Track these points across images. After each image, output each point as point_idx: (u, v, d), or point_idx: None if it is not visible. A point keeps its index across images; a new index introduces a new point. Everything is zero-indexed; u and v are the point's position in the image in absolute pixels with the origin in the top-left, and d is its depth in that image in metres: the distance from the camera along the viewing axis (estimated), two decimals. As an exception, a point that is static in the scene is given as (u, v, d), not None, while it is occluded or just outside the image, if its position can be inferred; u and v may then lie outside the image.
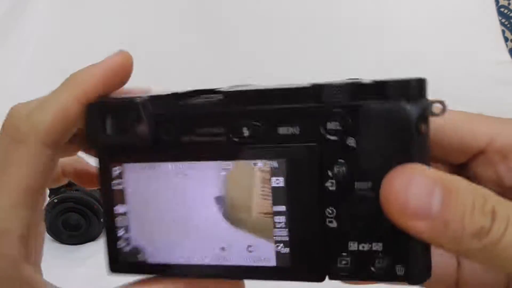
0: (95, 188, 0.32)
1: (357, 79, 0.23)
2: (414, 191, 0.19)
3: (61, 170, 0.28)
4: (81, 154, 0.31)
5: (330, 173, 0.23)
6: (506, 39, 1.06)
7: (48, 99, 0.24)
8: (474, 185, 0.19)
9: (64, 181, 0.31)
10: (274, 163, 0.23)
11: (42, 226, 0.31)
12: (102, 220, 0.70)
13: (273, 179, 0.23)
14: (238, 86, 0.25)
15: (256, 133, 0.23)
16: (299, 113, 0.23)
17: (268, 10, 1.01)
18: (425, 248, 0.22)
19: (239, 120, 0.24)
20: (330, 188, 0.23)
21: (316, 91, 0.23)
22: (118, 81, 0.25)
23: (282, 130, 0.23)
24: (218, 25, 0.99)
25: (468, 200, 0.18)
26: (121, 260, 0.25)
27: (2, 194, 0.24)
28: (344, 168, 0.23)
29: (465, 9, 1.02)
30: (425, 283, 0.26)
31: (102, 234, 0.72)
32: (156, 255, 0.25)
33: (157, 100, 0.24)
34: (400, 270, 0.22)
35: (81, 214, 0.70)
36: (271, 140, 0.23)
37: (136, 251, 0.25)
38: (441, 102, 0.21)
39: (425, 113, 0.21)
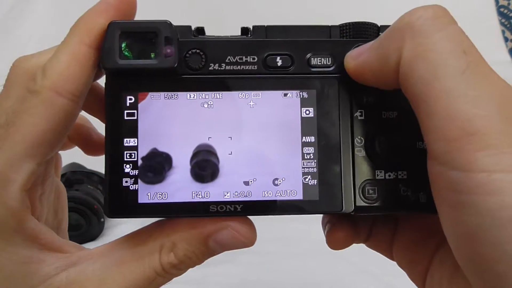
0: (99, 155, 0.30)
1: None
2: (354, 51, 0.24)
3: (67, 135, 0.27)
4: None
5: (359, 104, 0.24)
6: (506, 39, 1.06)
7: (59, 48, 0.24)
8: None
9: (71, 147, 0.31)
10: (305, 94, 0.23)
11: (61, 188, 0.30)
12: (101, 218, 0.70)
13: (303, 109, 0.23)
14: None
15: (288, 63, 0.24)
16: (331, 45, 0.24)
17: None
18: None
19: (272, 50, 0.24)
20: (359, 118, 0.24)
21: (347, 28, 0.25)
22: (122, 16, 0.24)
23: (314, 61, 0.24)
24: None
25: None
26: (124, 201, 0.23)
27: (9, 142, 0.23)
28: (372, 98, 0.24)
29: (465, 9, 1.02)
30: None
31: (102, 234, 0.72)
32: (167, 194, 0.23)
33: (184, 28, 0.24)
34: (423, 197, 0.24)
35: (81, 214, 0.69)
36: (302, 71, 0.24)
37: (143, 190, 0.23)
38: None
39: None
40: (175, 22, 0.24)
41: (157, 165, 0.23)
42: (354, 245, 0.30)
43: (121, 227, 0.72)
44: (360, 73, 0.23)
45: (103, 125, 0.25)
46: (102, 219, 0.71)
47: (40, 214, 0.26)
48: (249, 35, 0.24)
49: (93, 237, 0.71)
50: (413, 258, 0.28)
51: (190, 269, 0.25)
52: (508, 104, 0.20)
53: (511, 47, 1.07)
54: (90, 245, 0.70)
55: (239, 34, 0.25)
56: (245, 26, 0.25)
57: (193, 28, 0.24)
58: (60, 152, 0.30)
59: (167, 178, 0.23)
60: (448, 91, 0.20)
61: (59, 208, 0.30)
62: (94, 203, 0.70)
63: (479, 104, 0.19)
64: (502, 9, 1.08)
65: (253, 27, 0.24)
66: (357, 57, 0.23)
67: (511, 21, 1.09)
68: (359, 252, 0.31)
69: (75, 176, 0.72)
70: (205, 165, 0.23)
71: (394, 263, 0.29)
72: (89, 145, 0.31)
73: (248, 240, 0.24)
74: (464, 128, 0.19)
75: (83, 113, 0.29)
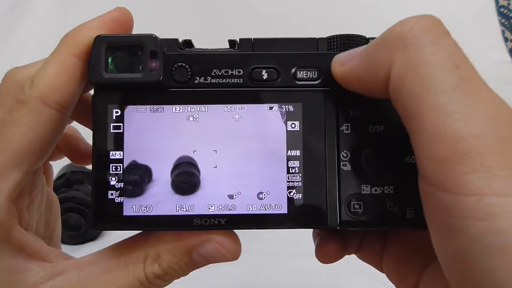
0: (87, 165, 0.31)
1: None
2: (340, 56, 0.24)
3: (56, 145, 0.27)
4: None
5: (345, 117, 0.24)
6: (506, 39, 1.05)
7: (48, 59, 0.24)
8: None
9: (60, 157, 0.31)
10: (290, 107, 0.23)
11: (54, 198, 0.30)
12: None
13: (289, 123, 0.23)
14: None
15: (274, 76, 0.24)
16: (317, 58, 0.24)
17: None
18: None
19: (258, 63, 0.24)
20: (345, 132, 0.24)
21: (335, 40, 0.24)
22: (114, 31, 0.24)
23: (300, 75, 0.24)
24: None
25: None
26: (109, 213, 0.23)
27: None
28: (359, 112, 0.24)
29: (465, 9, 1.02)
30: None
31: (102, 234, 0.72)
32: (151, 207, 0.23)
33: (169, 41, 0.24)
34: (410, 213, 0.23)
35: (81, 214, 0.69)
36: (288, 84, 0.24)
37: (128, 202, 0.23)
38: None
39: None
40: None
41: (136, 178, 0.23)
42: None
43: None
44: (347, 80, 0.23)
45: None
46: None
47: (28, 224, 0.26)
48: (236, 48, 0.24)
49: (93, 237, 0.71)
50: (402, 272, 0.27)
51: (187, 274, 0.25)
52: (501, 122, 0.19)
53: (511, 47, 1.06)
54: (90, 245, 0.70)
55: (227, 46, 0.25)
56: (235, 38, 0.25)
57: (180, 40, 0.24)
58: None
59: (147, 191, 0.23)
60: (439, 107, 0.19)
61: (51, 219, 0.30)
62: (94, 203, 0.70)
63: (471, 122, 0.19)
64: (502, 9, 1.08)
65: (240, 40, 0.24)
66: (344, 63, 0.23)
67: (511, 21, 1.09)
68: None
69: (75, 176, 0.72)
70: (186, 178, 0.23)
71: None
72: (77, 155, 0.31)
73: (231, 254, 0.24)
74: (455, 148, 0.18)
75: (74, 124, 0.29)
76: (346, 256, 0.29)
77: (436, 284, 0.25)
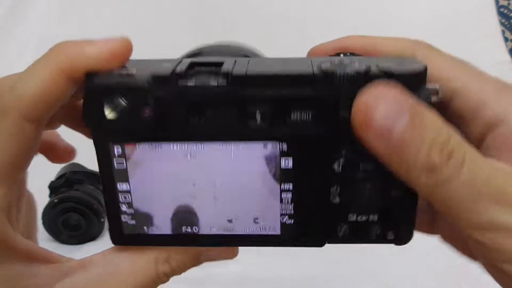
0: (64, 163, 0.32)
1: (356, 55, 0.25)
2: (382, 108, 0.18)
3: None
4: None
5: (338, 156, 0.24)
6: (506, 39, 1.06)
7: (32, 69, 0.22)
8: (441, 121, 0.19)
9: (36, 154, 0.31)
10: (284, 145, 0.24)
11: (31, 198, 0.30)
12: (102, 218, 0.70)
13: (283, 159, 0.24)
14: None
15: (268, 116, 0.24)
16: (312, 100, 0.24)
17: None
18: (412, 217, 0.25)
19: (251, 104, 0.24)
20: (336, 169, 0.25)
21: (329, 78, 0.23)
22: (111, 65, 0.23)
23: (294, 116, 0.24)
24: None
25: (430, 135, 0.18)
26: (124, 232, 0.25)
27: None
28: (351, 152, 0.24)
29: (465, 9, 1.02)
30: None
31: (102, 234, 0.72)
32: (160, 227, 0.26)
33: (159, 79, 0.23)
34: (391, 235, 0.26)
35: (81, 214, 0.70)
36: (282, 124, 0.24)
37: (140, 223, 0.25)
38: (437, 90, 0.22)
39: (425, 101, 0.21)
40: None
41: (139, 223, 0.25)
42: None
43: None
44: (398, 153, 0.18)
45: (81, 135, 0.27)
46: (102, 219, 0.71)
47: (19, 230, 0.26)
48: (230, 84, 0.24)
49: (93, 237, 0.71)
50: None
51: (191, 268, 0.27)
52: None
53: (511, 47, 1.07)
54: (90, 245, 0.70)
55: (221, 78, 0.24)
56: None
57: (178, 69, 0.24)
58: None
59: (150, 232, 0.26)
60: None
61: (31, 219, 0.30)
62: (94, 203, 0.71)
63: None
64: (502, 9, 1.08)
65: (233, 75, 0.24)
66: (389, 134, 0.18)
67: (511, 21, 1.09)
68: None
69: (75, 176, 0.72)
70: (186, 224, 0.25)
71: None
72: (54, 155, 0.31)
73: (233, 254, 0.27)
74: None
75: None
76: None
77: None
